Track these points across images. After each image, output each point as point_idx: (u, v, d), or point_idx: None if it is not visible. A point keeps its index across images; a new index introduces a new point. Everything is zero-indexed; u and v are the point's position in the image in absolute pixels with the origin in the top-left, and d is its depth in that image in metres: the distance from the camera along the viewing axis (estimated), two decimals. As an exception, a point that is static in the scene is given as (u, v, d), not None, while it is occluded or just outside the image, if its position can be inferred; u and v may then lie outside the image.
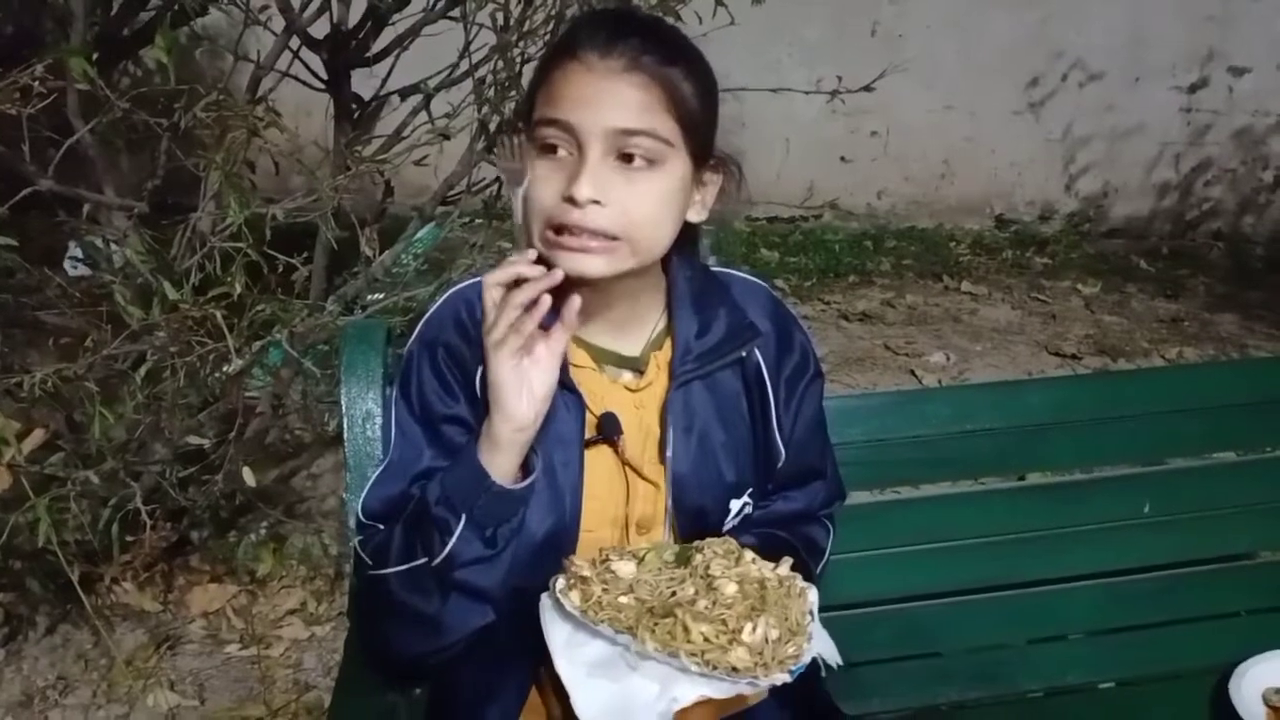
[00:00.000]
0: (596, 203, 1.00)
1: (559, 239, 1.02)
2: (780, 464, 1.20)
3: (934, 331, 3.92)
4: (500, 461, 1.02)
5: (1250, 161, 4.91)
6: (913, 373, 3.58)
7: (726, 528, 1.15)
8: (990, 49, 4.66)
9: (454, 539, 1.01)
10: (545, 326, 1.00)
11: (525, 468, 1.05)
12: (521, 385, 1.00)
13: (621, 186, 1.02)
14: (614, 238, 1.02)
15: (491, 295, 1.00)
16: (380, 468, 1.13)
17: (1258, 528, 1.56)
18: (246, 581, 2.36)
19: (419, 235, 2.55)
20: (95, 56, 1.70)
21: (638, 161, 1.03)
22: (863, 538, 1.41)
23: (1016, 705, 1.48)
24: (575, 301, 0.99)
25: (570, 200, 1.00)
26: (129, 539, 2.06)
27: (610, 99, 1.01)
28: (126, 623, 2.24)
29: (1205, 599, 1.55)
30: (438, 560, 1.02)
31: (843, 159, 4.82)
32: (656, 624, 0.97)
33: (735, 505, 1.16)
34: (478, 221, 2.48)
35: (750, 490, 1.17)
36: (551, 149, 1.03)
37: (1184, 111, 4.82)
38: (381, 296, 2.33)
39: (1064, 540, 1.49)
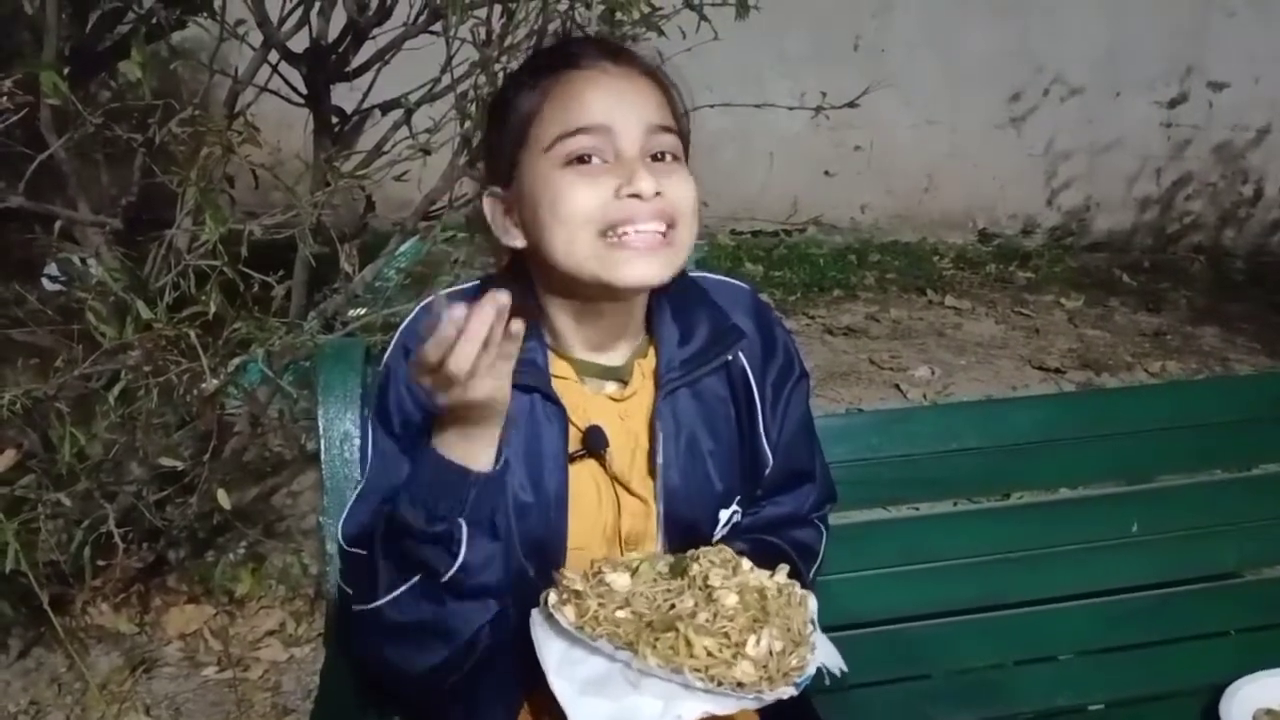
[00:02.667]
0: (659, 194, 1.01)
1: (622, 239, 1.01)
2: (768, 470, 1.18)
3: (918, 346, 3.92)
4: (476, 451, 0.98)
5: (1230, 175, 4.94)
6: (898, 387, 3.57)
7: (716, 538, 1.13)
8: (971, 63, 4.68)
9: (464, 548, 0.97)
10: None
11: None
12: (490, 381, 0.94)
13: (664, 179, 1.02)
14: (672, 226, 1.03)
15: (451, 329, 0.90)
16: (357, 491, 1.10)
17: (1246, 545, 1.55)
18: (224, 602, 2.32)
19: (401, 250, 2.52)
20: (68, 71, 1.68)
21: (668, 157, 1.05)
22: (849, 558, 1.39)
23: (1006, 727, 1.46)
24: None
25: (635, 196, 1.00)
26: (102, 563, 2.02)
27: (639, 97, 1.05)
28: (101, 645, 2.20)
29: (1195, 618, 1.53)
30: (448, 575, 0.98)
31: (826, 173, 4.83)
32: (657, 639, 0.94)
33: (724, 515, 1.14)
34: (460, 236, 2.46)
35: (738, 499, 1.15)
36: (582, 160, 1.02)
37: (1164, 126, 4.85)
38: (364, 312, 2.30)
39: (1052, 560, 1.48)
